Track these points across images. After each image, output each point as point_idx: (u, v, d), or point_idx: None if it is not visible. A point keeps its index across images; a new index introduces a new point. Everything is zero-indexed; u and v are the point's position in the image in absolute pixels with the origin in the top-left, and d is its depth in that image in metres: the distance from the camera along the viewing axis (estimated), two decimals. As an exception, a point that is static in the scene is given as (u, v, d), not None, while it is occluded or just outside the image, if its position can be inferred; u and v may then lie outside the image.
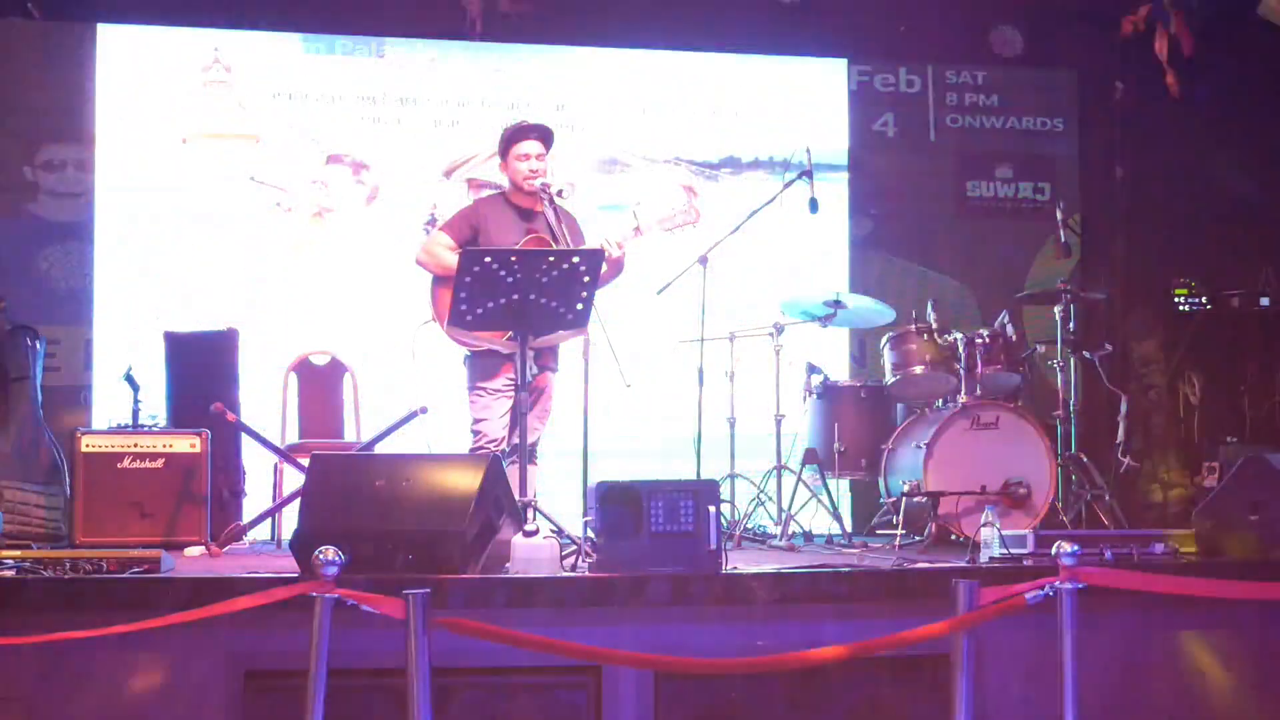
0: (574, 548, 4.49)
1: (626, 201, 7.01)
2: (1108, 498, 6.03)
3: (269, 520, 5.80)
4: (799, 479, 6.05)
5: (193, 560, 5.10)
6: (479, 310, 4.77)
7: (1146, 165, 7.82)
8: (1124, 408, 7.21)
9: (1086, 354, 6.37)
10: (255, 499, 6.17)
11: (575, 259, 4.76)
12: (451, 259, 5.08)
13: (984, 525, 4.78)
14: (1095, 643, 4.17)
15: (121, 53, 7.01)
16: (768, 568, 4.35)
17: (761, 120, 7.57)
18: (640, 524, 4.17)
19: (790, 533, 5.86)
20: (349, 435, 6.32)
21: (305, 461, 4.77)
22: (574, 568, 4.32)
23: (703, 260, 5.95)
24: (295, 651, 3.47)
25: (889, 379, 6.20)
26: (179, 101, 7.03)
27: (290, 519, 5.44)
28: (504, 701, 4.06)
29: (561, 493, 5.80)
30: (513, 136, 5.56)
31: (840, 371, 7.20)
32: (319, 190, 7.16)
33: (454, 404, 5.70)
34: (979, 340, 5.96)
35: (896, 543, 5.47)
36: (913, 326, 6.12)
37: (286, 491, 5.82)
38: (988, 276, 7.41)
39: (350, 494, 4.25)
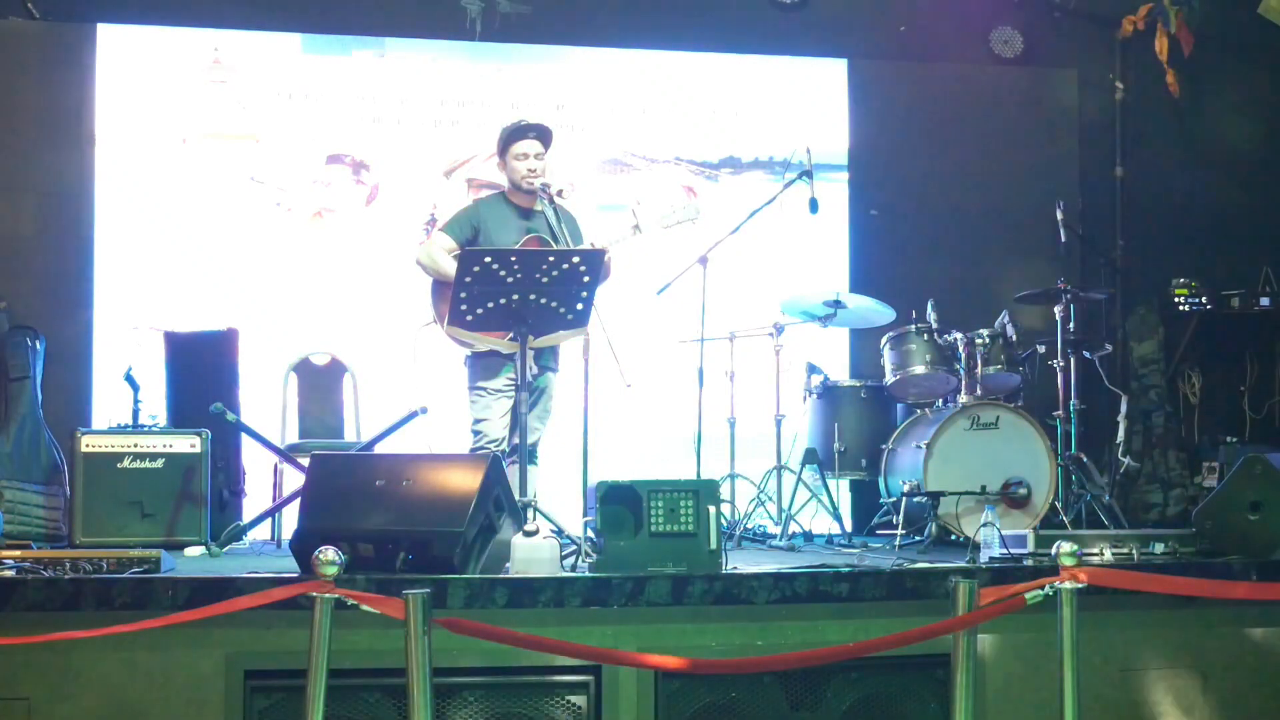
0: (574, 548, 4.49)
1: (626, 201, 7.01)
2: (1108, 498, 6.03)
3: (269, 520, 5.80)
4: (799, 479, 6.04)
5: (193, 560, 5.10)
6: (479, 310, 4.77)
7: (1146, 165, 7.82)
8: (1124, 408, 7.22)
9: (1086, 354, 6.37)
10: (255, 499, 6.18)
11: (575, 259, 4.76)
12: (450, 266, 5.08)
13: (984, 525, 4.77)
14: (1095, 643, 4.18)
15: (121, 53, 7.00)
16: (768, 568, 4.34)
17: (761, 120, 7.56)
18: (640, 524, 4.17)
19: (790, 533, 5.86)
20: (349, 435, 6.32)
21: (305, 461, 4.77)
22: (574, 568, 4.32)
23: (703, 260, 5.95)
24: (295, 651, 3.47)
25: (889, 379, 6.20)
26: (179, 101, 7.02)
27: (290, 519, 5.45)
28: (504, 701, 4.06)
29: (561, 493, 5.81)
30: (511, 136, 5.56)
31: (840, 371, 7.19)
32: (319, 190, 7.15)
33: (454, 404, 5.70)
34: (979, 340, 5.97)
35: (896, 543, 5.47)
36: (913, 326, 6.12)
37: (286, 491, 5.82)
38: (988, 276, 7.40)
39: (350, 494, 4.24)
